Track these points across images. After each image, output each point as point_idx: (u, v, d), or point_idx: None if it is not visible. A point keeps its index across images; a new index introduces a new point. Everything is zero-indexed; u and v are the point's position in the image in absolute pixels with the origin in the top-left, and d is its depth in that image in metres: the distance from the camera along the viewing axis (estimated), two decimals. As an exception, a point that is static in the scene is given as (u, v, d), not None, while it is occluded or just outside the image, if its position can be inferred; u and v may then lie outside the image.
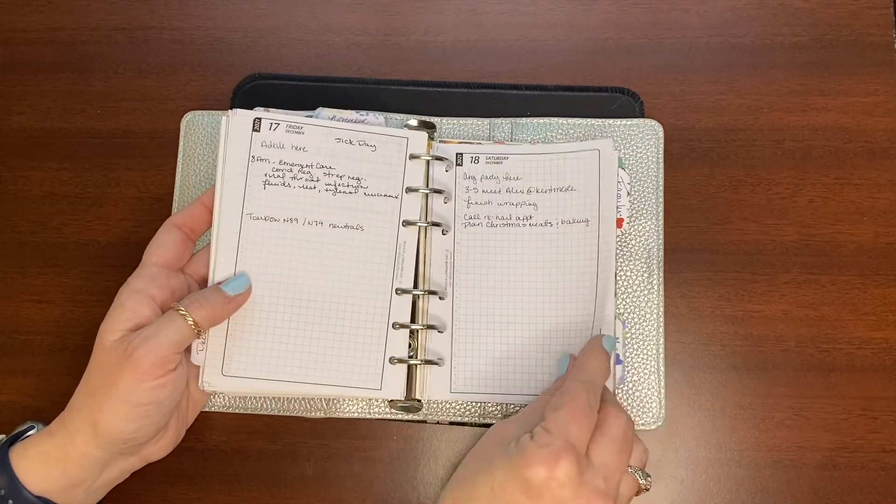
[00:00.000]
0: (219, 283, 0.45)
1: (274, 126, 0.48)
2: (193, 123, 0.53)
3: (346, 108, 0.51)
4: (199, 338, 0.44)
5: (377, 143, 0.49)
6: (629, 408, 0.48)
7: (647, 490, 0.42)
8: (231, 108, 0.53)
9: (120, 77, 0.56)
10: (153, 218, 0.53)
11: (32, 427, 0.46)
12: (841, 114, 0.53)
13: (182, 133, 0.53)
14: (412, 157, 0.49)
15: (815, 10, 0.55)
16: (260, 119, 0.48)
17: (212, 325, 0.44)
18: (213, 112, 0.53)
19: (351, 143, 0.48)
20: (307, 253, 0.47)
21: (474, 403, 0.49)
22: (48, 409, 0.49)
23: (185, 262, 0.47)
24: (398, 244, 0.48)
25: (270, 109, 0.49)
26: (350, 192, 0.48)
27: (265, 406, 0.49)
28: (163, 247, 0.45)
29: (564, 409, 0.39)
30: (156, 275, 0.44)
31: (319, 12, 0.57)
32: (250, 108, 0.49)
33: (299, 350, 0.47)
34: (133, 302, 0.43)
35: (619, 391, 0.48)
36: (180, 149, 0.53)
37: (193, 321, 0.42)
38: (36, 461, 0.42)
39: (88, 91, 0.56)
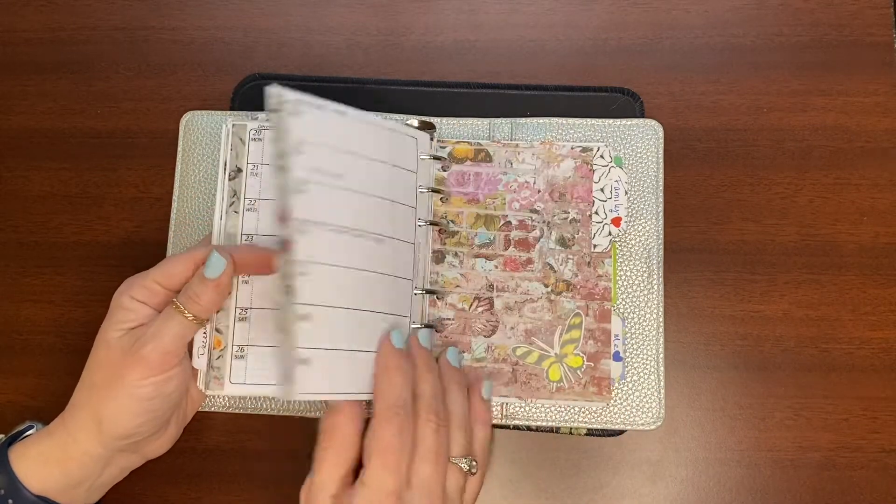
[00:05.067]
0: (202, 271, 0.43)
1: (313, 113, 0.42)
2: (193, 123, 0.53)
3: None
4: (202, 327, 0.44)
5: (394, 142, 0.47)
6: (629, 407, 0.48)
7: (474, 473, 0.42)
8: (231, 109, 0.54)
9: (120, 77, 0.56)
10: (153, 218, 0.53)
11: (31, 427, 0.46)
12: (841, 114, 0.53)
13: (181, 133, 0.53)
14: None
15: (815, 10, 0.55)
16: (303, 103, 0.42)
17: (211, 313, 0.44)
18: (213, 112, 0.53)
19: (375, 139, 0.46)
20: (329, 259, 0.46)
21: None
22: (48, 409, 0.49)
23: None
24: (416, 244, 0.48)
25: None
26: (375, 191, 0.46)
27: (265, 406, 0.49)
28: (173, 277, 0.44)
29: (375, 456, 0.40)
30: (157, 292, 0.43)
31: (319, 12, 0.57)
32: (250, 108, 0.48)
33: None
34: (134, 305, 0.43)
35: (619, 390, 0.48)
36: (179, 149, 0.52)
37: (192, 314, 0.42)
38: (36, 461, 0.42)
39: (88, 91, 0.56)
